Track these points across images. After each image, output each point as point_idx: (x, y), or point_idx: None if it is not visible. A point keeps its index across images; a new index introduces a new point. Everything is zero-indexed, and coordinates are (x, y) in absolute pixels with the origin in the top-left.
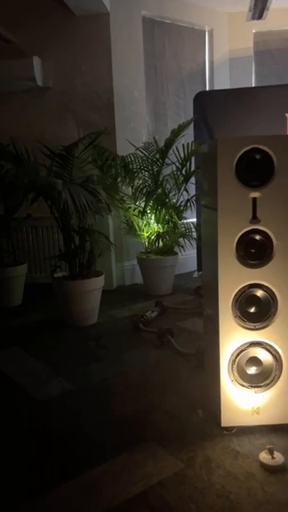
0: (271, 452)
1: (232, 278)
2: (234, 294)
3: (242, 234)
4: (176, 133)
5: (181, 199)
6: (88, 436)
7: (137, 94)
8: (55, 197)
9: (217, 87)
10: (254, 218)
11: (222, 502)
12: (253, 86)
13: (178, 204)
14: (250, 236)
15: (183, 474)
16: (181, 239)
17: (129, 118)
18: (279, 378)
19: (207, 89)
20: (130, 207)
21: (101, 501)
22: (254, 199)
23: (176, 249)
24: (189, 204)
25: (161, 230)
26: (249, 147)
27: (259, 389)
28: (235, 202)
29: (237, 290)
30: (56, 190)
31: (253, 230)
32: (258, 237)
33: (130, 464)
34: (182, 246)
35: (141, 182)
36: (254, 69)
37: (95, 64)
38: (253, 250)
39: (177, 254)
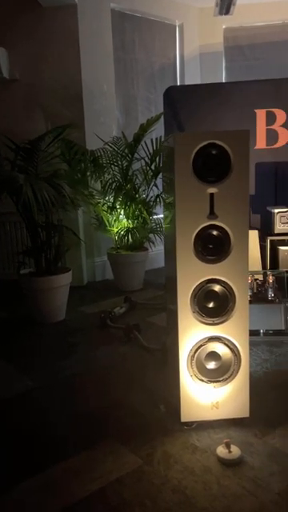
0: (228, 446)
1: (190, 274)
2: (192, 290)
3: (200, 230)
4: (145, 128)
5: (150, 194)
6: (51, 433)
7: (106, 88)
8: (18, 191)
9: (187, 82)
10: (212, 214)
11: (178, 497)
12: (223, 81)
13: (147, 199)
14: (208, 231)
15: (141, 471)
16: (151, 235)
17: (98, 112)
18: (238, 372)
19: (178, 83)
20: (99, 202)
21: (59, 499)
22: (212, 195)
23: (146, 244)
24: (158, 199)
25: (130, 226)
26: (205, 142)
27: (218, 383)
28: (193, 197)
29: (195, 286)
30: (18, 184)
31: (210, 225)
32: (215, 232)
33: (91, 461)
34: (153, 242)
35: (110, 176)
36: (224, 64)
37: (63, 56)
38: (210, 246)
39: (147, 249)
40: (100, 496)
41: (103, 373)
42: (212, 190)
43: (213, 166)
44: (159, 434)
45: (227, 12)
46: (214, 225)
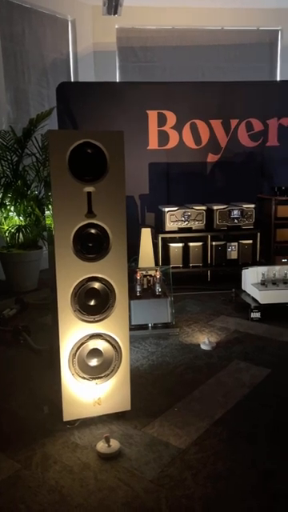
0: (107, 440)
1: (70, 272)
2: (72, 288)
3: (79, 229)
4: (34, 123)
5: (43, 191)
6: None
7: None
8: None
9: (81, 79)
10: (90, 212)
11: (53, 498)
12: (117, 80)
13: (40, 196)
14: (87, 230)
15: (17, 476)
16: (45, 233)
17: None
18: (119, 367)
19: (72, 80)
20: None
21: None
22: (89, 193)
23: (41, 243)
24: None
25: (22, 224)
26: (81, 141)
27: (100, 380)
28: (70, 196)
29: (75, 284)
30: None
31: (89, 224)
32: (94, 231)
33: None
34: (47, 240)
35: None
36: (118, 64)
37: None
38: (90, 244)
39: (41, 247)
40: None
41: None
42: (89, 188)
43: (89, 164)
44: (40, 436)
45: (115, 12)
46: (92, 223)
